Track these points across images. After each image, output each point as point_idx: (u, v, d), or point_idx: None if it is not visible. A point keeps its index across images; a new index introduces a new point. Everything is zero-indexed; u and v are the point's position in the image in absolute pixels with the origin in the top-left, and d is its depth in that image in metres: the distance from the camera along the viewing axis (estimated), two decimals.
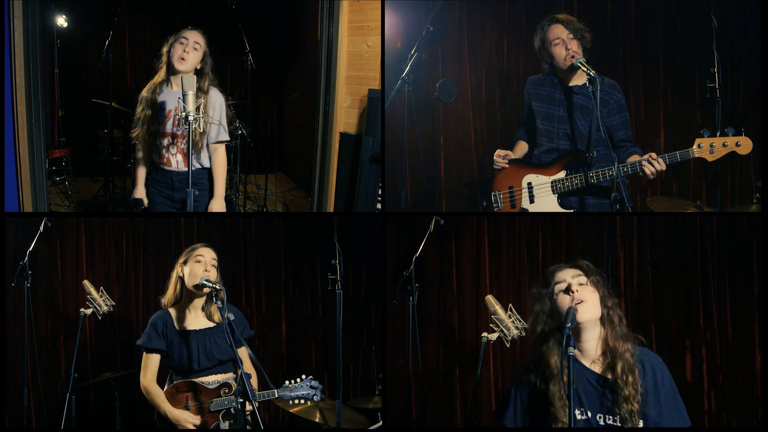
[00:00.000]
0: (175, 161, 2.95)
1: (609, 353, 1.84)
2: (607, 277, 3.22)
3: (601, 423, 1.82)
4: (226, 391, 2.47)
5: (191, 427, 2.42)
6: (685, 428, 1.84)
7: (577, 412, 1.83)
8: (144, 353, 2.55)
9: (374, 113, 3.82)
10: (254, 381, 2.51)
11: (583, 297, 1.84)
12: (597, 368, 1.86)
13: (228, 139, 3.09)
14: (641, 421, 1.79)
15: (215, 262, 2.52)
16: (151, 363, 2.53)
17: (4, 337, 3.41)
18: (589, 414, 1.83)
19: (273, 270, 3.89)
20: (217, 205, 3.06)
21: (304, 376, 2.40)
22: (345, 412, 2.91)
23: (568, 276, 1.89)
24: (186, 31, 2.92)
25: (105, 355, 3.74)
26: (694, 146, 2.54)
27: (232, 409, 2.46)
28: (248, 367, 2.57)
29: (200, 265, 2.48)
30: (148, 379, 2.51)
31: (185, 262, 2.53)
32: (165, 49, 2.94)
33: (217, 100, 3.00)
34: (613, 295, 1.92)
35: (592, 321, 1.85)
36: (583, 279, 1.88)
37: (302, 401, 2.40)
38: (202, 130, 2.90)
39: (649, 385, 1.82)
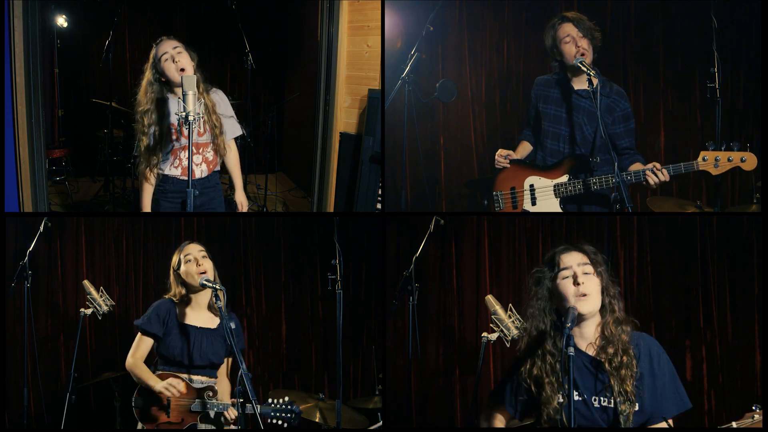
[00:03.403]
0: (199, 171, 2.92)
1: (605, 338, 1.85)
2: None
3: (596, 405, 1.83)
4: (210, 394, 2.47)
5: (174, 384, 2.40)
6: (687, 410, 1.85)
7: (575, 393, 1.83)
8: (139, 334, 2.53)
9: (374, 113, 3.82)
10: (226, 393, 2.55)
11: (587, 290, 1.83)
12: (591, 351, 1.87)
13: (242, 132, 3.12)
14: (637, 403, 1.79)
15: (204, 253, 2.53)
16: (144, 345, 2.51)
17: (4, 337, 3.41)
18: (585, 396, 1.84)
19: (273, 270, 3.89)
20: (240, 195, 3.16)
21: (286, 398, 2.40)
22: (345, 412, 2.91)
23: (574, 263, 1.87)
24: (161, 46, 2.82)
25: (105, 355, 3.74)
26: (699, 159, 2.54)
27: (210, 414, 2.46)
28: (223, 374, 2.59)
29: (192, 264, 2.49)
30: (136, 358, 2.49)
31: (178, 267, 2.53)
32: (149, 73, 2.84)
33: (221, 98, 3.01)
34: (615, 283, 1.92)
35: (594, 312, 1.85)
36: (589, 268, 1.87)
37: (281, 422, 2.39)
38: (221, 132, 2.92)
39: (644, 369, 1.83)
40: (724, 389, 3.20)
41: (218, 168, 3.05)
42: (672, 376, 1.85)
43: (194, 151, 2.89)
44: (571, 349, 1.69)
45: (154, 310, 2.54)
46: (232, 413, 2.44)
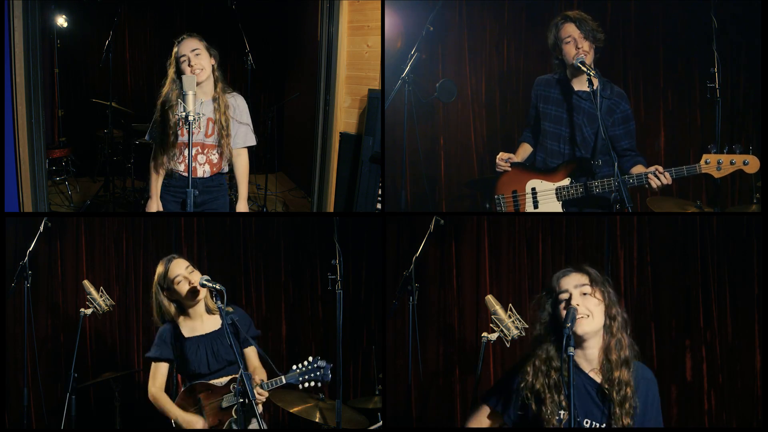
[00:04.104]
0: (202, 171, 2.93)
1: (608, 364, 1.83)
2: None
3: (586, 426, 1.81)
4: (236, 385, 2.45)
5: (201, 426, 2.41)
6: None
7: (563, 413, 1.83)
8: (153, 363, 2.53)
9: (374, 113, 3.82)
10: (263, 378, 2.49)
11: (584, 311, 1.81)
12: (597, 377, 1.85)
13: (255, 143, 3.09)
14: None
15: (191, 268, 2.49)
16: (160, 372, 2.51)
17: (4, 337, 3.41)
18: (578, 417, 1.82)
19: (273, 270, 3.89)
20: (242, 206, 3.13)
21: (311, 358, 2.35)
22: (345, 412, 2.91)
23: (571, 285, 1.85)
24: (181, 46, 2.85)
25: (105, 355, 3.74)
26: (702, 161, 2.53)
27: (239, 405, 2.44)
28: (256, 365, 2.56)
29: (183, 284, 2.45)
30: (156, 387, 2.50)
31: (167, 288, 2.48)
32: (171, 70, 2.88)
33: (238, 103, 3.01)
34: (618, 305, 1.89)
35: (592, 332, 1.83)
36: (588, 288, 1.84)
37: (312, 383, 2.35)
38: (227, 135, 2.91)
39: (640, 403, 1.82)
40: (724, 389, 3.20)
41: (224, 170, 3.04)
42: (657, 408, 1.85)
43: (199, 150, 2.91)
44: (572, 350, 1.68)
45: (159, 337, 2.52)
46: (259, 393, 2.39)
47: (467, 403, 3.44)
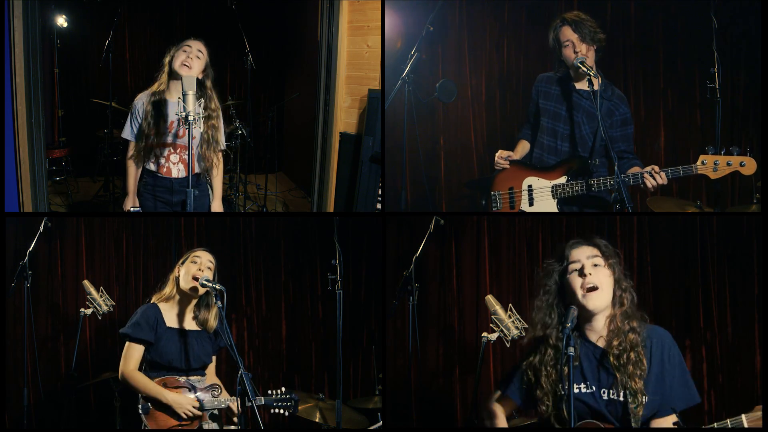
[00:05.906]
0: (176, 170, 2.95)
1: (614, 331, 1.84)
2: None
3: (605, 398, 1.82)
4: (216, 393, 2.47)
5: (192, 409, 2.39)
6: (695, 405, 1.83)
7: (583, 386, 1.85)
8: (127, 342, 2.47)
9: (374, 113, 3.82)
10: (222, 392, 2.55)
11: (596, 281, 1.82)
12: (602, 344, 1.87)
13: (224, 147, 3.13)
14: (645, 397, 1.78)
15: (211, 265, 2.53)
16: (136, 353, 2.45)
17: (4, 337, 3.41)
18: (594, 388, 1.84)
19: (273, 270, 3.89)
20: (216, 205, 3.14)
21: (283, 389, 2.45)
22: (345, 412, 2.91)
23: (584, 256, 1.87)
24: (189, 40, 2.92)
25: (105, 355, 3.74)
26: (698, 162, 2.53)
27: (216, 411, 2.47)
28: (211, 372, 2.61)
29: (195, 266, 2.49)
30: (131, 367, 2.44)
31: (183, 263, 2.55)
32: (167, 59, 2.91)
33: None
34: (628, 277, 1.91)
35: (603, 306, 1.84)
36: (600, 260, 1.86)
37: (281, 411, 2.45)
38: (210, 140, 2.95)
39: (654, 362, 1.82)
40: (724, 389, 3.20)
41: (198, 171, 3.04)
42: (682, 370, 1.84)
43: (171, 150, 2.94)
44: (571, 349, 1.69)
45: (141, 316, 2.49)
46: (234, 406, 2.46)
47: (467, 403, 3.44)
